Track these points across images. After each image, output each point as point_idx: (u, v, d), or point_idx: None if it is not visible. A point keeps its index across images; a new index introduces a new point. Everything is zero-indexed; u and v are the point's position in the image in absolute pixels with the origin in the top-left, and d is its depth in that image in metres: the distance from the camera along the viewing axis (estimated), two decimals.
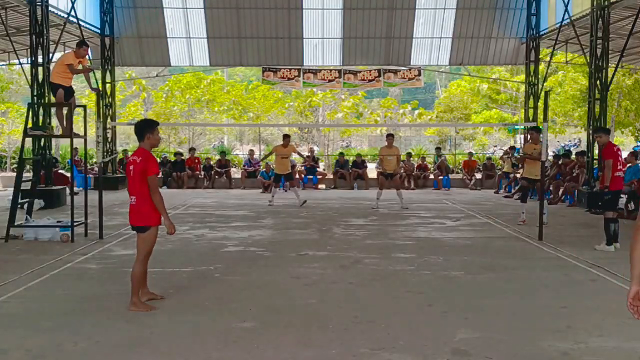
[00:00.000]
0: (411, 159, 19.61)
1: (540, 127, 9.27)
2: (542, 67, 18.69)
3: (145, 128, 5.12)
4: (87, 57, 9.37)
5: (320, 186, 18.41)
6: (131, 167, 5.04)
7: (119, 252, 7.78)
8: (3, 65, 22.80)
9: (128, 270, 6.64)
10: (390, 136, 13.07)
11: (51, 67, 12.67)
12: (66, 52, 10.68)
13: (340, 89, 21.94)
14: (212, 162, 18.88)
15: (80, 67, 9.16)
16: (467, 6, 18.77)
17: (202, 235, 9.15)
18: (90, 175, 15.91)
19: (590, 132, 13.96)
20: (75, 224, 8.55)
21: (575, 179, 13.94)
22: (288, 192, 16.93)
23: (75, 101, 9.41)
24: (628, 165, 12.07)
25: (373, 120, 30.07)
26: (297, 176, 18.25)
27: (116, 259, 7.35)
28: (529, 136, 12.47)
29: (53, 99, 12.46)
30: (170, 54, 19.41)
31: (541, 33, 18.11)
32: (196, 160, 18.65)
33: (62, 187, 13.21)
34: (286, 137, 13.96)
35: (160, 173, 18.72)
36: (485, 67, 27.05)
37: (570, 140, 32.04)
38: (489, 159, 20.11)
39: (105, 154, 12.00)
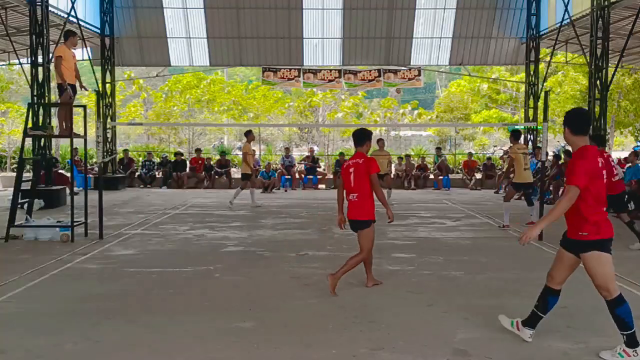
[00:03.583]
0: (410, 159, 19.60)
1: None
2: (542, 67, 18.69)
3: (367, 136, 5.83)
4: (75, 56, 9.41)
5: (320, 186, 18.41)
6: (351, 170, 5.66)
7: (119, 252, 7.78)
8: (3, 65, 22.80)
9: (128, 270, 6.68)
10: (380, 140, 13.85)
11: (51, 68, 12.68)
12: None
13: (340, 89, 21.96)
14: (212, 162, 18.88)
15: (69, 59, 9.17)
16: (467, 6, 18.79)
17: (202, 235, 9.15)
18: (90, 175, 15.90)
19: (590, 132, 13.96)
20: (75, 224, 8.55)
21: None
22: (288, 192, 16.94)
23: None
24: (628, 165, 12.09)
25: (373, 120, 30.10)
26: (298, 176, 18.27)
27: (116, 259, 7.35)
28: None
29: (53, 99, 12.42)
30: (170, 54, 19.42)
31: (541, 33, 18.12)
32: (200, 161, 18.64)
33: (62, 187, 13.21)
34: (249, 133, 12.88)
35: (161, 173, 18.77)
36: (485, 67, 27.06)
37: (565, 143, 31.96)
38: (489, 159, 20.11)
39: (105, 154, 11.99)
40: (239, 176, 18.47)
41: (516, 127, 24.80)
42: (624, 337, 3.97)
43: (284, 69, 19.42)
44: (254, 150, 13.53)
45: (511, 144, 10.55)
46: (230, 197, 12.89)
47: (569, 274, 4.22)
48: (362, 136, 5.84)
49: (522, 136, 10.71)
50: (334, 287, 5.58)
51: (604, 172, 4.07)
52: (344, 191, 5.87)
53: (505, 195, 10.50)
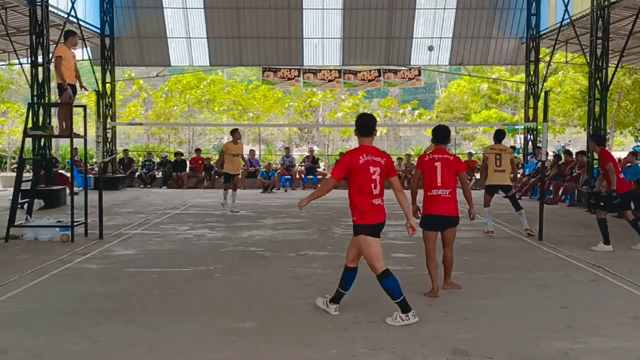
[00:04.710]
0: (410, 158, 19.58)
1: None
2: (542, 67, 18.68)
3: (449, 135, 6.10)
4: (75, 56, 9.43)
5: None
6: (437, 164, 5.72)
7: (119, 252, 7.78)
8: (3, 65, 22.80)
9: (128, 270, 6.68)
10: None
11: (51, 68, 12.67)
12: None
13: (340, 89, 21.96)
14: (212, 162, 18.87)
15: (69, 59, 9.17)
16: (467, 6, 18.78)
17: (202, 235, 9.15)
18: (90, 175, 15.90)
19: (590, 131, 13.97)
20: (75, 224, 8.54)
21: (575, 179, 13.94)
22: (288, 192, 16.94)
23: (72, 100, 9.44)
24: (627, 164, 12.09)
25: None
26: (298, 176, 18.27)
27: (116, 259, 7.34)
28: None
29: (53, 99, 12.40)
30: (170, 54, 19.41)
31: (541, 33, 18.11)
32: (200, 161, 18.64)
33: (62, 187, 13.20)
34: (235, 131, 12.35)
35: (160, 173, 18.78)
36: (485, 67, 27.06)
37: (570, 140, 31.94)
38: None
39: (105, 154, 11.99)
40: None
41: (516, 126, 24.84)
42: (398, 305, 4.68)
43: (284, 69, 19.42)
44: (238, 147, 12.29)
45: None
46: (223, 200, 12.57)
47: (358, 253, 4.85)
48: (445, 135, 5.98)
49: (505, 137, 9.83)
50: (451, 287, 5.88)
51: (374, 168, 4.66)
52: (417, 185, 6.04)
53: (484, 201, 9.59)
